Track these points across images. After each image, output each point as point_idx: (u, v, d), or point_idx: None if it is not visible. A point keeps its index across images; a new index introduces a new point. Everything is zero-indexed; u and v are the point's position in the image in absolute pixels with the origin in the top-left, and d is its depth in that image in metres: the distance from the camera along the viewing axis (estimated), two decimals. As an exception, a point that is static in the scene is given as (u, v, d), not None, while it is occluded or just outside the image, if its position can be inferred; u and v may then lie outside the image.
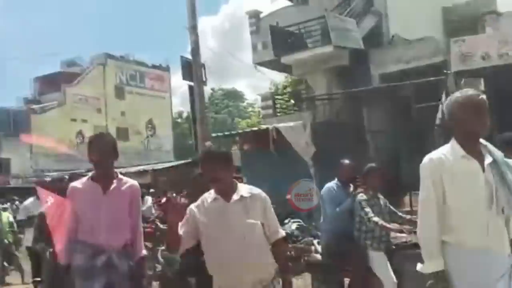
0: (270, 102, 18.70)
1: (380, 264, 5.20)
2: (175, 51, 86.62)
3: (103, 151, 3.77)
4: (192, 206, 3.40)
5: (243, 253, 3.17)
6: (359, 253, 5.31)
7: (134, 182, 3.95)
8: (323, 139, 13.07)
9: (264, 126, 12.67)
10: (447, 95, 11.29)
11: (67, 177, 6.29)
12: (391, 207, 5.65)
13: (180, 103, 56.82)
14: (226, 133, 15.19)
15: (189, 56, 15.08)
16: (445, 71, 10.56)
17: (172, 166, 21.25)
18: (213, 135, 14.86)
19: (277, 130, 11.95)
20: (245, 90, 70.97)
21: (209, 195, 3.38)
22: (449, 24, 18.39)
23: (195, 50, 14.87)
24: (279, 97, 20.33)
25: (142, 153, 38.05)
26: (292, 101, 19.73)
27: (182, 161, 20.79)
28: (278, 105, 19.13)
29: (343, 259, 5.47)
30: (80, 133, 34.87)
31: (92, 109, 35.82)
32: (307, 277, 6.86)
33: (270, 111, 18.44)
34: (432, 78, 11.58)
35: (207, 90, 42.90)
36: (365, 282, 5.32)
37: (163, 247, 5.41)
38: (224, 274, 3.27)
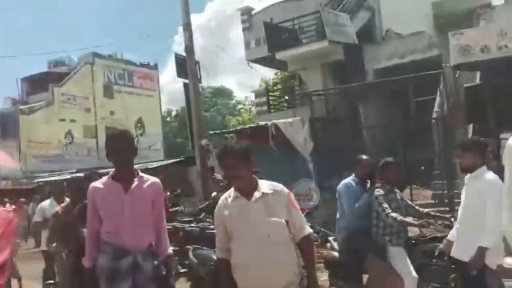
0: (264, 99, 18.65)
1: (400, 259, 5.12)
2: (161, 49, 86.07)
3: (123, 149, 3.66)
4: (217, 209, 3.35)
5: (268, 253, 3.08)
6: (377, 249, 5.26)
7: (155, 179, 3.86)
8: (320, 134, 13.09)
9: (262, 123, 12.63)
10: (446, 88, 11.37)
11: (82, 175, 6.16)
12: (408, 201, 5.61)
13: (167, 101, 56.60)
14: (224, 130, 15.11)
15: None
16: (445, 65, 10.59)
17: (165, 165, 21.08)
18: (211, 132, 14.77)
19: (276, 126, 11.91)
20: (232, 88, 70.75)
21: (230, 194, 3.29)
22: (439, 19, 18.48)
23: (190, 47, 14.78)
24: (271, 94, 20.30)
25: (132, 152, 37.75)
26: (284, 98, 19.71)
27: (175, 159, 20.65)
28: (270, 102, 19.08)
29: (362, 255, 5.40)
30: (69, 133, 34.44)
31: (80, 109, 35.37)
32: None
33: (264, 107, 18.39)
34: (430, 72, 11.61)
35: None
36: (384, 279, 5.26)
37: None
38: (248, 276, 3.16)
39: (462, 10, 17.01)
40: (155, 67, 42.09)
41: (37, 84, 34.44)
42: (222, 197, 3.37)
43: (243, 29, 19.03)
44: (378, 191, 5.36)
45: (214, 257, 4.46)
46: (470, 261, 4.04)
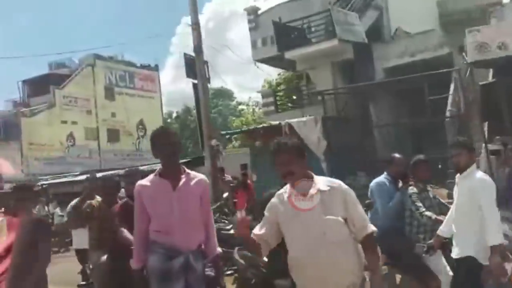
0: (271, 99, 18.53)
1: (435, 258, 5.04)
2: (158, 51, 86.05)
3: (170, 146, 3.58)
4: (271, 205, 3.21)
5: (323, 253, 2.94)
6: (411, 248, 5.17)
7: (202, 176, 3.78)
8: (333, 134, 13.01)
9: (275, 122, 12.54)
10: (461, 86, 11.31)
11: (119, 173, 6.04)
12: (440, 199, 5.54)
13: (165, 103, 56.47)
14: (237, 130, 15.02)
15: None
16: (463, 62, 10.52)
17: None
18: (222, 132, 14.63)
19: (290, 126, 11.83)
20: (232, 88, 70.67)
21: (285, 190, 3.17)
22: (444, 17, 18.46)
23: (198, 47, 14.70)
24: (277, 94, 20.19)
25: (134, 154, 37.64)
26: (289, 98, 19.60)
27: (183, 160, 20.54)
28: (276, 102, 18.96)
29: (395, 255, 5.31)
30: (70, 135, 34.31)
31: (82, 111, 35.23)
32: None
33: (271, 107, 18.27)
34: (446, 70, 11.55)
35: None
36: (419, 278, 5.17)
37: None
38: (305, 276, 3.04)
39: (466, 9, 17.02)
40: (156, 68, 41.99)
41: (38, 86, 34.28)
42: (278, 193, 3.23)
43: (250, 29, 18.93)
44: (412, 189, 5.30)
45: (264, 258, 4.31)
46: (490, 263, 4.08)
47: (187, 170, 3.71)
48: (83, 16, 73.77)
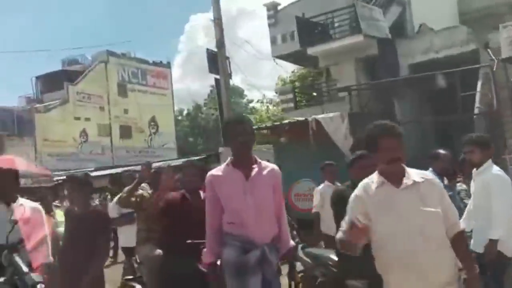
0: (289, 96, 18.36)
1: None
2: (166, 48, 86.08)
3: (245, 135, 3.46)
4: (356, 196, 2.98)
5: (422, 249, 2.75)
6: None
7: (274, 166, 3.67)
8: (358, 130, 12.82)
9: (301, 118, 12.35)
10: (494, 82, 11.13)
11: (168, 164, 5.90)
12: None
13: (176, 100, 56.31)
14: (261, 126, 14.89)
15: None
16: (497, 58, 10.33)
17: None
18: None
19: (317, 121, 11.63)
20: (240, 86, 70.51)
21: (372, 180, 2.95)
22: (463, 15, 18.25)
23: (220, 42, 14.59)
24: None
25: (146, 151, 37.63)
26: (304, 95, 19.41)
27: (199, 157, 20.43)
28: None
29: None
30: (83, 131, 34.32)
31: (95, 107, 35.23)
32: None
33: (290, 104, 18.09)
34: (475, 66, 11.36)
35: (207, 87, 42.51)
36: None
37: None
38: (399, 276, 2.82)
39: (486, 6, 16.81)
40: (168, 65, 41.97)
41: (51, 82, 34.32)
42: (362, 183, 3.03)
43: (269, 25, 18.71)
44: (461, 186, 5.20)
45: (333, 257, 4.16)
46: (485, 253, 4.18)
47: (259, 160, 3.58)
48: (87, 15, 73.95)
